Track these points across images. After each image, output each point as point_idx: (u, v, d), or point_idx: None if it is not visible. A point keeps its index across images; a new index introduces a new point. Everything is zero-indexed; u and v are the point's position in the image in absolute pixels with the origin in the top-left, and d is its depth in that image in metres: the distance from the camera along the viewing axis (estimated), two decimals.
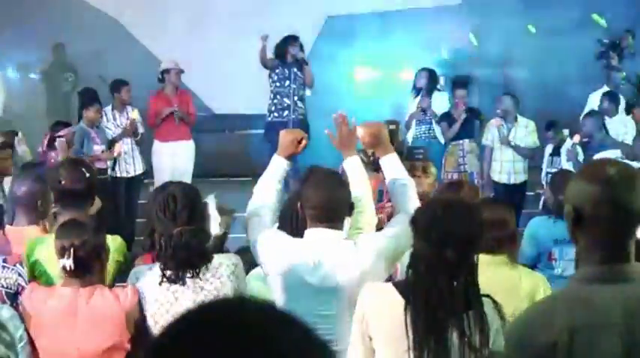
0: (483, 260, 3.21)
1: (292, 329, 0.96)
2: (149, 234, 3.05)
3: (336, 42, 10.65)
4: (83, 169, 3.66)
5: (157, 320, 2.95)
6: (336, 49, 10.70)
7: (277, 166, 3.21)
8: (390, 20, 10.84)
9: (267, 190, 3.17)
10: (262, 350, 0.91)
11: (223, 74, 10.06)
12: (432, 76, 8.57)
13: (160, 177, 8.22)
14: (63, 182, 3.60)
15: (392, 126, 3.75)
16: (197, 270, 2.94)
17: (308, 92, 8.55)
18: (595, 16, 9.58)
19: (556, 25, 10.46)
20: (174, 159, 8.24)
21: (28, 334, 3.02)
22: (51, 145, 6.32)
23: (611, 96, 8.31)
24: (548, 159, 7.89)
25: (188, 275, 2.94)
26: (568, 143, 7.63)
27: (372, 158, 3.52)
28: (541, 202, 6.40)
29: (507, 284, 3.14)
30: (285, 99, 8.45)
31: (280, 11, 9.96)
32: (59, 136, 6.33)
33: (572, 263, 3.87)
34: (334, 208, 2.96)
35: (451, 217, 2.49)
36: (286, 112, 8.45)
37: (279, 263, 2.96)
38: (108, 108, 8.00)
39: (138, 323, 3.03)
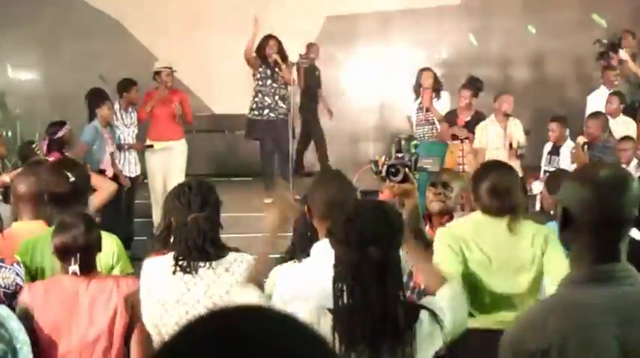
0: (479, 218, 3.30)
1: (310, 342, 0.93)
2: (163, 230, 3.07)
3: (336, 42, 10.66)
4: (67, 173, 3.64)
5: (167, 309, 2.93)
6: (336, 49, 10.71)
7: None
8: (390, 20, 10.85)
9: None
10: None
11: (223, 74, 10.06)
12: (436, 77, 8.73)
13: (153, 177, 8.26)
14: (48, 187, 3.63)
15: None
16: (210, 261, 2.94)
17: (288, 90, 8.58)
18: (595, 16, 9.56)
19: (556, 25, 10.47)
20: (167, 159, 8.26)
21: (29, 336, 3.02)
22: (50, 148, 6.28)
23: (621, 97, 8.29)
24: (547, 158, 7.86)
25: (201, 264, 2.94)
26: (569, 143, 7.60)
27: (381, 168, 3.36)
28: (537, 202, 6.36)
29: (507, 251, 3.23)
30: (267, 98, 8.53)
31: (280, 11, 9.96)
32: (58, 138, 6.30)
33: None
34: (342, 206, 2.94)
35: (365, 216, 2.39)
36: (267, 111, 8.54)
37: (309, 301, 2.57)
38: (116, 108, 8.01)
39: (134, 311, 3.10)
